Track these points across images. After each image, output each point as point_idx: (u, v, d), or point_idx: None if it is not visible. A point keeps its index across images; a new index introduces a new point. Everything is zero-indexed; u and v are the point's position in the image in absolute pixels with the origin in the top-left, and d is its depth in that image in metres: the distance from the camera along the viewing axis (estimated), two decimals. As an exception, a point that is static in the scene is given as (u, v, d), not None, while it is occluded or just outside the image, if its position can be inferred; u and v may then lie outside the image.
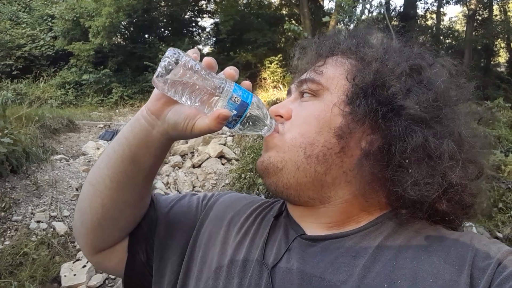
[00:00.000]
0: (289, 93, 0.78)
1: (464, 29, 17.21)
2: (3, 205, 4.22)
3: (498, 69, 17.23)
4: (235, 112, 0.63)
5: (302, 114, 0.70)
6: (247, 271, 0.67)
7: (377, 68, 0.66)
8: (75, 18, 14.39)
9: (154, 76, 0.61)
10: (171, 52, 0.61)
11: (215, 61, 0.65)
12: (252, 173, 5.16)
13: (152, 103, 0.66)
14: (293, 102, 0.74)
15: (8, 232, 4.01)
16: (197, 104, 0.63)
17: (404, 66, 0.66)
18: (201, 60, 0.64)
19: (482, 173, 0.68)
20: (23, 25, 15.44)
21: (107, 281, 3.64)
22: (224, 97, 0.62)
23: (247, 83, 0.66)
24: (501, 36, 17.35)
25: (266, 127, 0.67)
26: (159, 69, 0.61)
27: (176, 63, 0.60)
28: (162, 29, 18.75)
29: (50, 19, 15.64)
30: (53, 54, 14.90)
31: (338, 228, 0.68)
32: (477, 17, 16.80)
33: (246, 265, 0.68)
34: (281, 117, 0.72)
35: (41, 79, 13.77)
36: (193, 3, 18.69)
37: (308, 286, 0.61)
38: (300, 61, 0.80)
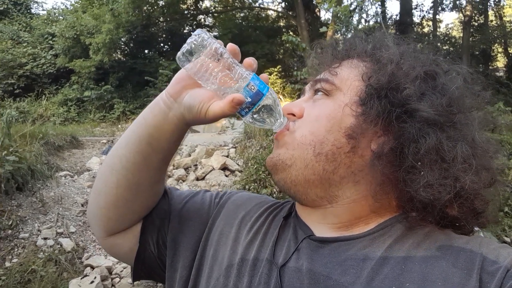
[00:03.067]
0: (303, 93, 0.79)
1: (461, 35, 17.32)
2: (9, 223, 4.22)
3: (497, 73, 17.27)
4: (249, 99, 0.64)
5: (314, 112, 0.71)
6: (257, 270, 0.68)
7: (393, 71, 0.66)
8: (75, 36, 14.52)
9: (179, 52, 0.63)
10: (199, 31, 0.64)
11: (239, 49, 0.67)
12: (256, 184, 5.16)
13: (172, 86, 0.69)
14: (306, 101, 0.75)
15: (16, 249, 4.01)
16: (214, 86, 0.65)
17: (419, 71, 0.67)
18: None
19: (495, 180, 0.67)
20: (24, 44, 15.60)
21: (115, 296, 3.63)
22: (241, 84, 0.64)
23: (265, 76, 0.68)
24: (498, 41, 17.47)
25: (277, 122, 0.68)
26: (185, 45, 0.63)
27: (202, 43, 0.62)
28: (162, 44, 18.91)
29: (50, 37, 15.80)
30: (54, 72, 15.02)
31: (346, 229, 0.69)
32: (473, 23, 16.93)
33: (256, 264, 0.69)
34: (294, 115, 0.73)
35: (43, 97, 13.84)
36: (192, 18, 18.89)
37: (316, 286, 0.61)
38: (316, 63, 0.80)
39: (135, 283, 3.53)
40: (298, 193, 0.70)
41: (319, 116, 0.69)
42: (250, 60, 0.67)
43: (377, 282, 0.58)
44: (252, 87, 0.64)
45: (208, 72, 0.63)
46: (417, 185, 0.62)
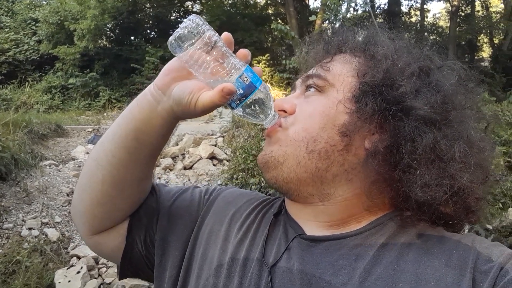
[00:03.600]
0: (293, 88, 0.77)
1: (448, 25, 17.45)
2: (-7, 213, 4.16)
3: (482, 63, 17.49)
4: (241, 91, 0.61)
5: (307, 109, 0.69)
6: (247, 270, 0.66)
7: (388, 67, 0.65)
8: (59, 21, 14.17)
9: (171, 37, 0.60)
10: (193, 17, 0.61)
11: (233, 39, 0.64)
12: (244, 173, 5.17)
13: (160, 78, 0.66)
14: (297, 98, 0.73)
15: (0, 240, 3.96)
16: (206, 76, 0.62)
17: (414, 67, 0.66)
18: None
19: (489, 178, 0.67)
20: (6, 30, 15.16)
21: (102, 287, 3.62)
22: (234, 74, 0.61)
23: (258, 69, 0.65)
24: (483, 31, 17.67)
25: (268, 117, 0.66)
26: (178, 30, 0.60)
27: (196, 29, 0.59)
28: (148, 31, 18.60)
29: (34, 22, 15.39)
30: (38, 58, 14.67)
31: (338, 227, 0.67)
32: (460, 13, 17.05)
33: (247, 264, 0.67)
34: (285, 111, 0.71)
35: (26, 84, 13.53)
36: (179, 4, 18.59)
37: (308, 287, 0.60)
38: (307, 57, 0.78)
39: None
40: (290, 190, 0.69)
41: (313, 112, 0.68)
42: (245, 51, 0.64)
43: (370, 282, 0.57)
44: (245, 79, 0.61)
45: (200, 60, 0.60)
46: (413, 184, 0.61)
